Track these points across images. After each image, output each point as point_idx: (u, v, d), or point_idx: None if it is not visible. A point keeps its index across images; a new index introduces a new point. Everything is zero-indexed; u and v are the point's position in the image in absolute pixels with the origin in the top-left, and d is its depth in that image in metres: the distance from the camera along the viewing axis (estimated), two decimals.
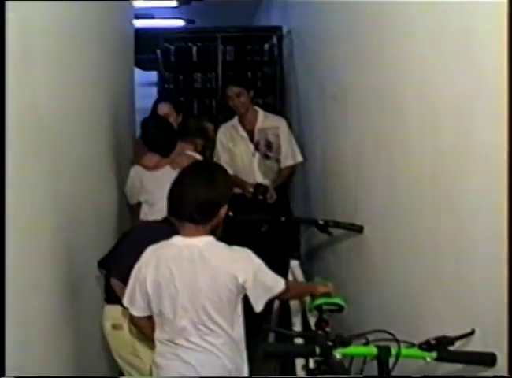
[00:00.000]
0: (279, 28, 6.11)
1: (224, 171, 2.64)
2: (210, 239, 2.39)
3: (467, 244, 1.98)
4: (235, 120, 4.65)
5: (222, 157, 4.62)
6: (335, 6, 3.74)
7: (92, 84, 3.33)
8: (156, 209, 3.44)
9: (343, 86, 3.56)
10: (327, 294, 2.69)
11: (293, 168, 4.68)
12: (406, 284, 2.61)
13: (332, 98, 3.87)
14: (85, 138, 3.09)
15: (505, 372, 1.73)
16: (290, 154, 4.55)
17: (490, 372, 1.81)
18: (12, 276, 1.87)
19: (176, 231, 2.39)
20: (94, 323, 2.94)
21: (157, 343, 2.42)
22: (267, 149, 4.51)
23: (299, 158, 4.57)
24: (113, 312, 2.76)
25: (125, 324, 2.69)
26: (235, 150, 4.59)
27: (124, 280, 2.47)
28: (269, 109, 6.31)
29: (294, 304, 3.19)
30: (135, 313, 2.43)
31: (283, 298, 2.80)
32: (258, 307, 2.37)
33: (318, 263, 4.42)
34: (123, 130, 4.22)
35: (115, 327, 2.75)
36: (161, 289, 2.33)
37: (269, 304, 2.56)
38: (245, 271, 2.32)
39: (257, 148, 4.53)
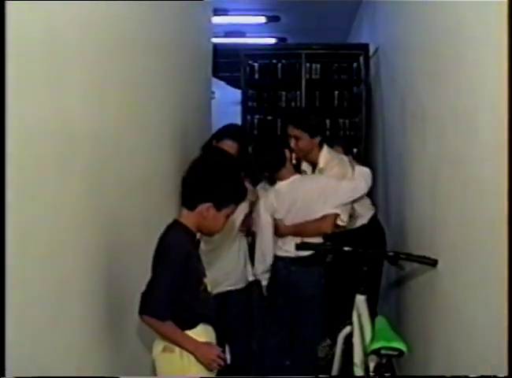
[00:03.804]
0: (366, 46, 5.85)
1: None
2: None
3: None
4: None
5: None
6: (417, 22, 3.48)
7: (153, 98, 3.18)
8: None
9: (422, 105, 3.27)
10: (386, 337, 2.40)
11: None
12: (473, 326, 2.30)
13: (411, 118, 3.58)
14: (139, 155, 2.92)
15: None
16: None
17: None
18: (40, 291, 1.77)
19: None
20: (141, 346, 2.80)
21: None
22: None
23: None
24: None
25: (177, 348, 2.48)
26: None
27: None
28: (356, 128, 6.13)
29: (356, 343, 2.91)
30: None
31: None
32: None
33: (395, 298, 4.11)
34: (192, 148, 4.05)
35: (166, 349, 2.51)
36: None
37: None
38: None
39: None
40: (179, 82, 3.90)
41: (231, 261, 3.66)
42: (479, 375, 1.97)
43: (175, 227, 2.48)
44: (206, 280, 2.58)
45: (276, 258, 3.65)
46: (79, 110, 2.13)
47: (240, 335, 3.78)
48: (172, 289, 2.35)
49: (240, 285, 3.71)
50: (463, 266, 2.48)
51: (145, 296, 2.36)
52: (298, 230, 3.60)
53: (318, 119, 3.98)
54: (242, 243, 3.77)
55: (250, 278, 3.77)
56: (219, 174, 2.48)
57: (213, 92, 8.01)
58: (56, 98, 1.92)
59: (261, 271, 3.68)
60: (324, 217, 3.55)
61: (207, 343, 2.45)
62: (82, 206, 2.16)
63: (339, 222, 3.57)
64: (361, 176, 3.65)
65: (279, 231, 3.64)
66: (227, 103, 8.19)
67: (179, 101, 3.86)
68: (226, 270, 3.58)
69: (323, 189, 3.55)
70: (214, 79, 8.29)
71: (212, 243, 3.39)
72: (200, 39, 4.76)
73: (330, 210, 3.54)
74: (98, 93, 2.34)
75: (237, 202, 2.50)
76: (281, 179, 3.61)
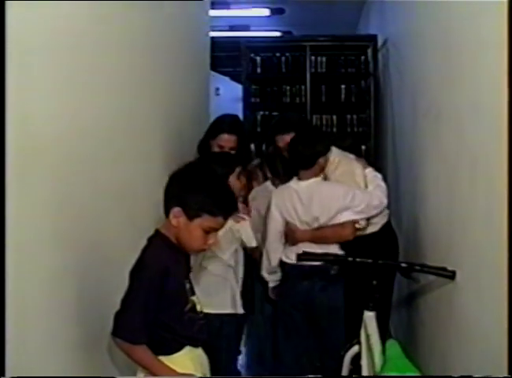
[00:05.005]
0: (374, 37, 5.57)
1: None
2: None
3: None
4: None
5: None
6: (431, 10, 3.19)
7: (141, 97, 2.94)
8: None
9: (435, 101, 2.99)
10: (398, 366, 2.12)
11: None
12: (499, 345, 1.97)
13: (423, 115, 3.29)
14: (121, 159, 2.67)
15: None
16: None
17: None
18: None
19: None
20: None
21: None
22: None
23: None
24: None
25: None
26: None
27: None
28: (365, 124, 5.86)
29: (365, 366, 2.64)
30: None
31: None
32: None
33: (406, 313, 3.83)
34: (189, 148, 3.77)
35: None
36: None
37: None
38: None
39: None
40: (173, 78, 3.64)
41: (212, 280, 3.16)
42: None
43: (155, 239, 2.26)
44: (195, 299, 2.31)
45: (290, 267, 3.34)
46: (42, 108, 1.90)
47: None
48: (149, 309, 2.11)
49: (220, 310, 3.11)
50: (485, 278, 2.21)
51: (117, 317, 2.12)
52: (316, 236, 3.30)
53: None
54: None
55: (241, 310, 3.21)
56: (193, 177, 2.28)
57: (217, 89, 7.77)
58: (16, 93, 1.69)
59: (266, 271, 3.42)
60: (343, 224, 3.29)
61: (186, 374, 2.17)
62: (47, 217, 1.94)
63: (357, 225, 3.34)
64: (380, 190, 3.42)
65: (294, 237, 3.34)
66: (232, 99, 7.93)
67: (172, 98, 3.60)
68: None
69: (338, 198, 3.28)
70: (219, 75, 8.05)
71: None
72: (196, 33, 4.49)
73: (349, 217, 3.29)
74: (69, 89, 2.11)
75: (212, 214, 2.19)
76: (303, 177, 3.32)
